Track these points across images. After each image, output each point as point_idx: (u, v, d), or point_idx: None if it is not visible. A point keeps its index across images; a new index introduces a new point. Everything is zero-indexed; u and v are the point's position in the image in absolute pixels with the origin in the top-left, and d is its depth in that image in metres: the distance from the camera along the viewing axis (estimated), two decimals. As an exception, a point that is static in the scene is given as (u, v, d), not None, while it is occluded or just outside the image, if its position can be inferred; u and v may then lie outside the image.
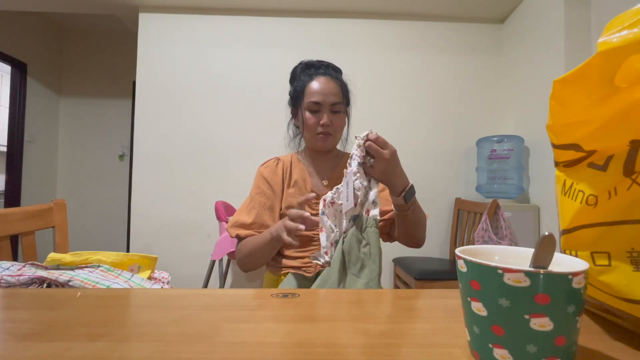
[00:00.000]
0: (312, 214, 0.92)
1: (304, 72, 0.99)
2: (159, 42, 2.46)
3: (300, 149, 1.06)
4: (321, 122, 0.92)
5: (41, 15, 3.29)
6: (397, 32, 2.51)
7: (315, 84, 0.93)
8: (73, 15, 3.27)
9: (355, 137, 0.77)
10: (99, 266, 0.69)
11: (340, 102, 0.93)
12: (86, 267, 0.69)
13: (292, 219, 0.75)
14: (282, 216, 0.98)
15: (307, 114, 0.94)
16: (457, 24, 2.52)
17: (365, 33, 2.50)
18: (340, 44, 2.49)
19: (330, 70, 0.98)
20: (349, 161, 0.79)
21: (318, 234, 0.94)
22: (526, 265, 0.30)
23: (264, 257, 0.89)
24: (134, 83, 3.16)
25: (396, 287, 2.31)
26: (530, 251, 0.33)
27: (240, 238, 0.94)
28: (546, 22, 2.04)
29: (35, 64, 3.26)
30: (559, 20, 1.91)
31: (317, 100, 0.92)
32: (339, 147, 1.07)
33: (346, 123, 1.01)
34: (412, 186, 0.81)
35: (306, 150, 1.04)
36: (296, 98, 0.98)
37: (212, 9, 2.47)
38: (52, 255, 0.69)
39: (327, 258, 0.75)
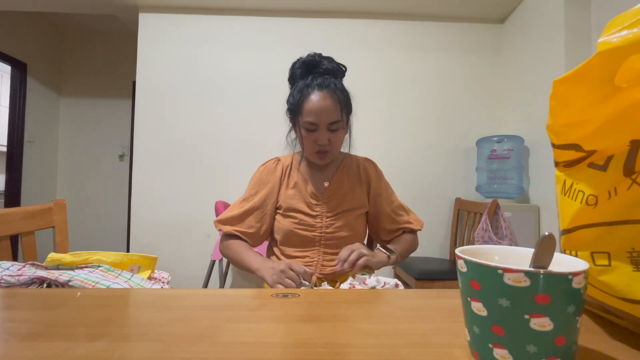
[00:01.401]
0: (310, 214, 0.95)
1: (303, 77, 0.94)
2: (159, 42, 2.46)
3: (300, 149, 1.06)
4: (318, 142, 0.90)
5: (41, 15, 3.29)
6: (397, 32, 2.51)
7: (311, 102, 0.88)
8: (73, 15, 3.27)
9: (354, 282, 0.81)
10: (99, 266, 0.69)
11: (338, 120, 0.89)
12: (86, 267, 0.69)
13: (297, 273, 0.79)
14: (277, 213, 0.99)
15: (304, 132, 0.91)
16: (457, 24, 2.52)
17: (365, 33, 2.50)
18: (340, 44, 2.49)
19: (328, 79, 0.91)
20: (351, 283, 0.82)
21: (320, 236, 0.94)
22: (526, 265, 0.30)
23: (238, 266, 0.94)
24: (134, 83, 3.16)
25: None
26: (530, 251, 0.33)
27: (224, 233, 0.98)
28: (546, 22, 2.04)
29: (35, 64, 3.26)
30: (559, 20, 1.91)
31: (313, 120, 0.88)
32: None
33: (347, 132, 0.98)
34: (390, 256, 0.92)
35: None
36: (293, 111, 0.94)
37: (212, 9, 2.47)
38: (52, 255, 0.69)
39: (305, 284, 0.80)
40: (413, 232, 1.04)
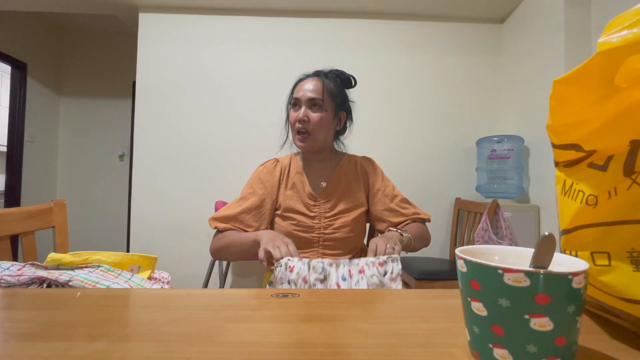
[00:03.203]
0: (308, 215, 0.96)
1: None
2: (159, 42, 2.46)
3: (298, 150, 1.06)
4: (298, 117, 0.93)
5: (41, 15, 3.29)
6: (397, 32, 2.51)
7: (300, 84, 0.96)
8: (73, 15, 3.27)
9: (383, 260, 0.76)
10: (99, 266, 0.69)
11: (319, 97, 0.93)
12: (86, 267, 0.69)
13: (288, 249, 0.76)
14: (275, 215, 0.99)
15: (290, 113, 0.97)
16: (457, 24, 2.52)
17: (365, 33, 2.50)
18: (340, 44, 2.49)
19: (321, 73, 0.98)
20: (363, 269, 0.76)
21: (318, 237, 0.94)
22: (526, 265, 0.30)
23: (238, 254, 0.90)
24: (134, 83, 3.16)
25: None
26: (530, 251, 0.33)
27: (218, 230, 0.96)
28: (546, 22, 2.04)
29: (35, 64, 3.26)
30: (559, 20, 1.91)
31: (296, 96, 0.95)
32: (336, 147, 1.07)
33: (334, 123, 0.98)
34: (403, 234, 0.87)
35: (302, 152, 1.03)
36: (289, 99, 1.01)
37: (212, 9, 2.47)
38: (52, 255, 0.69)
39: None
40: (422, 222, 1.02)
